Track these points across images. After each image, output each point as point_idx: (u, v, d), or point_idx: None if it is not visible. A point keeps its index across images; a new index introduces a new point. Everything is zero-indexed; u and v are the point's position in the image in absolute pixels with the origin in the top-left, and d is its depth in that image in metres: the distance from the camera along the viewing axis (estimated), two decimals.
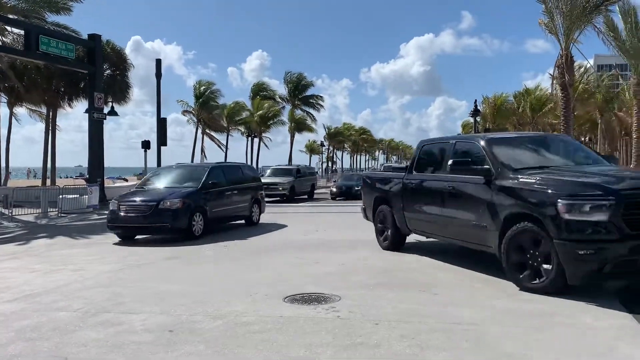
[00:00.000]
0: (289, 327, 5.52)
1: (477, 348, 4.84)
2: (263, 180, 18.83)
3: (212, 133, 55.89)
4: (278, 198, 26.82)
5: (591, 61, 48.81)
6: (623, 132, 48.39)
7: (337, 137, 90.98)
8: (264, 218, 16.46)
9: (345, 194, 28.70)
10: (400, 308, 6.19)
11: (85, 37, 25.31)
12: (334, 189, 30.25)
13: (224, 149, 57.46)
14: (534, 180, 6.92)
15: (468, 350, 4.80)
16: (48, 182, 32.42)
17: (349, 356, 4.68)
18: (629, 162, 33.14)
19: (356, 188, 25.39)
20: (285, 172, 29.58)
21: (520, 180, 7.08)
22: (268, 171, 30.80)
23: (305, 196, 30.15)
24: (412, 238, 11.82)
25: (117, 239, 13.01)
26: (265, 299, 6.72)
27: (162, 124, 25.90)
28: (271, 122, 56.18)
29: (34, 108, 36.85)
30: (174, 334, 5.39)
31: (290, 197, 26.88)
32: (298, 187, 28.45)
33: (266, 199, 17.89)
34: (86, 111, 24.31)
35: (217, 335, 5.34)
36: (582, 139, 66.34)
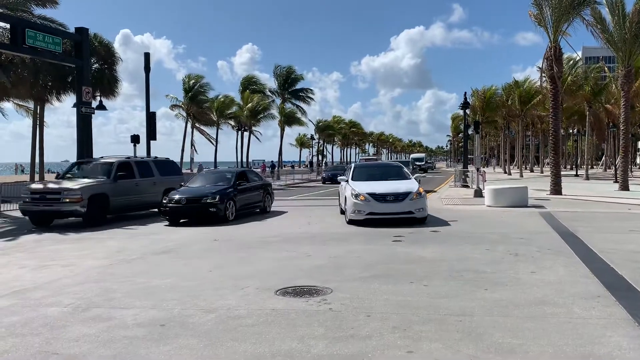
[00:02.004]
0: (281, 320, 5.53)
1: (468, 338, 4.88)
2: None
3: (202, 127, 55.66)
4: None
5: (579, 53, 49.06)
6: (611, 124, 48.75)
7: (327, 130, 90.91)
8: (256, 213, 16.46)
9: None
10: (392, 300, 6.23)
11: (72, 30, 25.01)
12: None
13: (214, 143, 57.28)
14: None
15: (460, 340, 4.83)
16: (37, 177, 32.11)
17: (341, 348, 4.70)
18: (617, 154, 33.42)
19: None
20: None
21: None
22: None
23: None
24: (401, 232, 11.89)
25: (107, 235, 12.95)
26: (257, 293, 6.73)
27: (151, 118, 25.70)
28: (261, 115, 56.04)
29: (20, 103, 36.42)
30: (166, 328, 5.38)
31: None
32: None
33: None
34: (74, 106, 24.08)
35: (209, 329, 5.34)
36: (571, 131, 66.89)
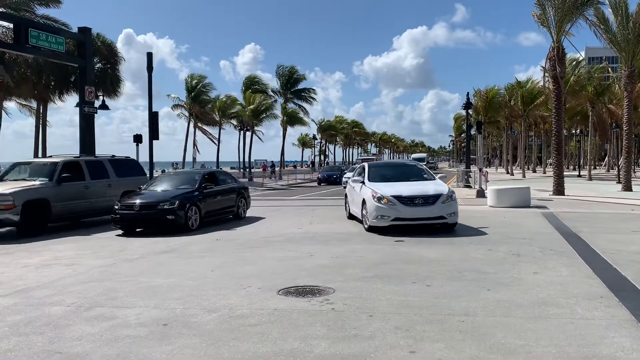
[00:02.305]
0: (283, 320, 5.54)
1: (471, 339, 4.87)
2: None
3: (205, 127, 55.71)
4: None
5: (582, 53, 48.94)
6: (614, 124, 48.64)
7: (330, 130, 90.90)
8: (257, 211, 16.45)
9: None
10: (394, 300, 6.23)
11: (75, 30, 25.06)
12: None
13: (217, 143, 57.31)
14: None
15: (462, 341, 4.83)
16: None
17: (343, 348, 4.70)
18: (620, 154, 33.36)
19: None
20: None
21: None
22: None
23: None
24: (405, 232, 11.86)
25: (108, 234, 12.96)
26: (260, 292, 6.73)
27: (153, 117, 25.73)
28: (263, 115, 55.99)
29: (24, 102, 36.52)
30: (169, 328, 5.39)
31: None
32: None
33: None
34: (77, 105, 24.12)
35: (212, 328, 5.34)
36: (574, 131, 66.73)
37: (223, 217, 15.25)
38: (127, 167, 16.81)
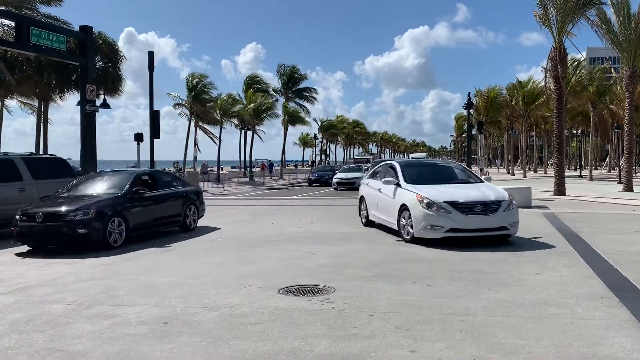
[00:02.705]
0: (283, 319, 5.54)
1: (471, 338, 4.87)
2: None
3: (206, 126, 55.68)
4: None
5: (584, 54, 48.94)
6: (615, 125, 48.61)
7: (331, 130, 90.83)
8: (258, 210, 16.41)
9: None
10: (395, 299, 6.22)
11: (76, 28, 25.08)
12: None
13: (217, 142, 57.29)
14: None
15: (463, 340, 4.83)
16: None
17: (343, 347, 4.70)
18: (621, 155, 33.34)
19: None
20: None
21: None
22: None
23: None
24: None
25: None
26: (260, 291, 6.73)
27: (154, 116, 25.76)
28: (264, 114, 55.93)
29: (25, 101, 36.56)
30: (169, 326, 5.39)
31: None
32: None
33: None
34: (78, 103, 24.14)
35: (212, 327, 5.35)
36: (575, 131, 66.71)
37: (164, 229, 12.52)
38: (49, 168, 13.95)
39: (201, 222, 13.88)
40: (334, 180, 32.65)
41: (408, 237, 10.45)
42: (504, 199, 10.27)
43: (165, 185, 12.93)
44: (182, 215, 12.99)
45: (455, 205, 9.94)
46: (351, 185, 29.99)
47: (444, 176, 12.10)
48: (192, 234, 12.44)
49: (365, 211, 13.21)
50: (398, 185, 11.26)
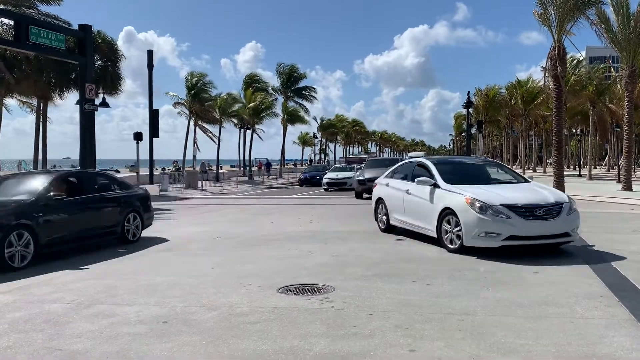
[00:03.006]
0: (283, 318, 5.54)
1: (470, 337, 4.87)
2: None
3: (205, 125, 55.65)
4: None
5: (583, 53, 48.98)
6: (614, 124, 48.66)
7: (330, 129, 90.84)
8: (257, 210, 16.40)
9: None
10: (394, 299, 6.23)
11: (76, 27, 25.05)
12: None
13: (216, 142, 57.26)
14: None
15: (462, 339, 4.83)
16: None
17: (343, 346, 4.70)
18: (620, 154, 33.36)
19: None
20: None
21: None
22: None
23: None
24: (404, 231, 11.74)
25: None
26: (260, 290, 6.73)
27: (154, 115, 25.78)
28: (264, 114, 55.92)
29: (24, 100, 36.51)
30: (169, 325, 5.39)
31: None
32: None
33: None
34: (77, 102, 24.13)
35: (212, 326, 5.35)
36: (574, 130, 66.74)
37: (95, 242, 10.47)
38: None
39: (161, 229, 12.60)
40: (324, 181, 30.85)
41: (454, 247, 9.14)
42: (564, 202, 9.12)
43: (98, 189, 10.89)
44: (121, 225, 10.92)
45: (514, 208, 8.67)
46: (342, 186, 29.00)
47: (485, 175, 10.91)
48: (131, 248, 10.36)
49: (384, 215, 11.82)
50: (435, 186, 9.88)
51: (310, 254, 9.33)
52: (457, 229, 9.07)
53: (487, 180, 10.58)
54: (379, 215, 12.19)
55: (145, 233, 11.79)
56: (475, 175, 10.63)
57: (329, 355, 4.51)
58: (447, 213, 9.32)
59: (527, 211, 8.69)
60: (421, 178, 10.30)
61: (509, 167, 12.06)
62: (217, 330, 5.21)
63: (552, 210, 8.84)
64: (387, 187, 11.87)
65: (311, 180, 34.63)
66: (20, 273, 8.11)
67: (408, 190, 10.70)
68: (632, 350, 4.56)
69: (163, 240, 11.49)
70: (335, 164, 61.43)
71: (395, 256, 9.01)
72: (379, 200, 12.16)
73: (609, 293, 6.37)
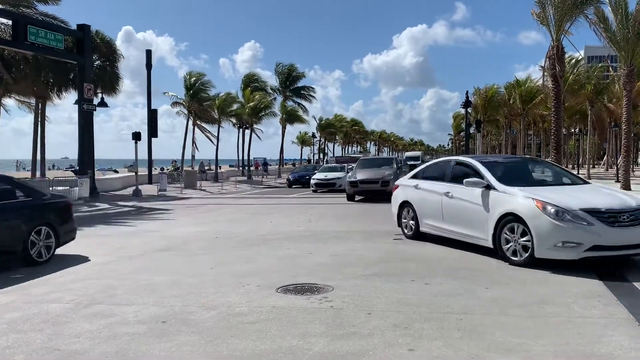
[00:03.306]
0: (282, 318, 5.54)
1: (469, 337, 4.88)
2: None
3: (204, 124, 55.62)
4: None
5: (581, 52, 48.98)
6: (613, 124, 48.70)
7: (329, 128, 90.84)
8: (258, 209, 16.37)
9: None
10: (393, 298, 6.23)
11: (74, 27, 25.04)
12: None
13: (214, 142, 57.21)
14: None
15: (460, 339, 4.84)
16: (37, 174, 32.16)
17: (342, 346, 4.70)
18: (619, 153, 33.40)
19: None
20: None
21: None
22: None
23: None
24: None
25: (106, 232, 12.95)
26: (258, 290, 6.73)
27: (152, 115, 25.77)
28: (262, 113, 55.94)
29: (22, 99, 36.47)
30: (168, 325, 5.39)
31: None
32: None
33: None
34: (76, 102, 24.14)
35: (211, 325, 5.34)
36: (573, 130, 66.79)
37: None
38: None
39: (160, 229, 11.83)
40: (312, 182, 28.63)
41: (519, 259, 7.89)
42: None
43: None
44: (24, 243, 8.48)
45: (596, 214, 7.48)
46: (332, 187, 27.62)
47: (540, 176, 9.90)
48: (33, 273, 8.03)
49: (413, 221, 10.57)
50: (489, 187, 8.64)
51: (309, 253, 9.33)
52: (525, 238, 7.83)
53: (545, 182, 9.65)
54: (404, 221, 10.93)
55: (85, 250, 9.87)
56: (532, 177, 9.66)
57: (327, 355, 4.51)
58: (508, 220, 8.08)
59: (611, 217, 7.51)
60: (470, 179, 9.00)
61: (561, 166, 10.75)
62: (216, 329, 5.21)
63: (638, 216, 7.69)
64: (415, 189, 10.60)
65: (300, 181, 32.88)
66: None
67: (448, 192, 9.47)
68: (631, 349, 4.56)
69: (85, 259, 9.18)
70: (309, 164, 58.32)
71: (394, 256, 9.01)
72: (404, 204, 10.91)
73: (607, 292, 6.37)
